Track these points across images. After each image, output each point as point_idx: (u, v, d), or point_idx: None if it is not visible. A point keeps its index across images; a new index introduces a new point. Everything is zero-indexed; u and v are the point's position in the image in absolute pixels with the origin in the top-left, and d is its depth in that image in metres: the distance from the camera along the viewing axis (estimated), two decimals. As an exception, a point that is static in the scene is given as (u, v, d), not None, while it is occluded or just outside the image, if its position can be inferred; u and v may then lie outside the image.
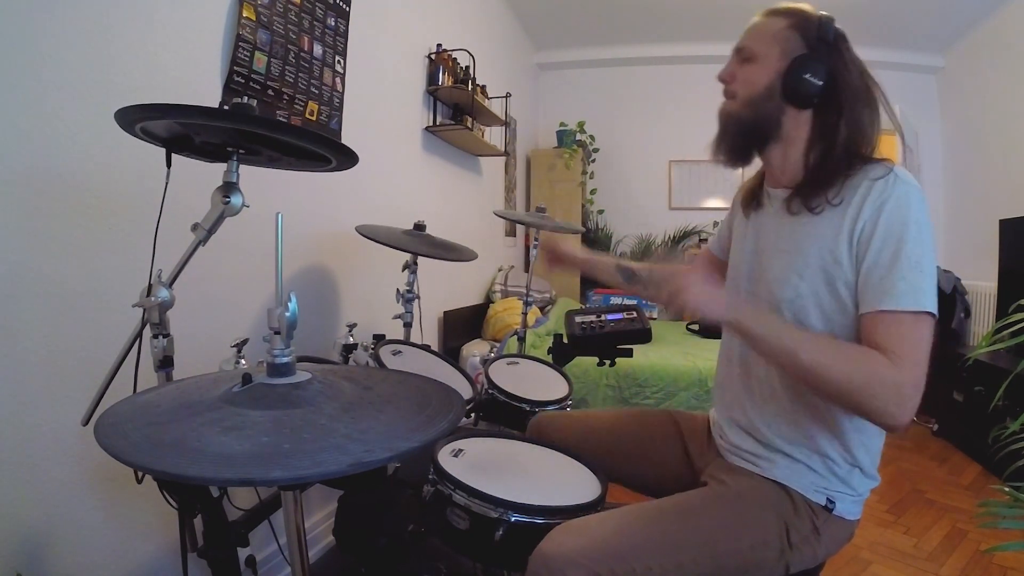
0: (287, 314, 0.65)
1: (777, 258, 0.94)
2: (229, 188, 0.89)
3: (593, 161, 4.87)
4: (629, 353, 1.64)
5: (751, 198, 1.05)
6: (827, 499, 0.90)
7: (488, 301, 3.51)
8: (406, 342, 1.72)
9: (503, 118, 3.32)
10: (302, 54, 1.68)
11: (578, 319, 1.66)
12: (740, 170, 1.04)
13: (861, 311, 0.83)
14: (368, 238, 1.62)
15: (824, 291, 0.88)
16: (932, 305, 0.79)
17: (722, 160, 1.00)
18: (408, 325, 1.85)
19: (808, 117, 0.92)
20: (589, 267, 1.34)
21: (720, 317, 0.85)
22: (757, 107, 0.93)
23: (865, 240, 0.83)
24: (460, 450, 1.12)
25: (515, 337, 2.26)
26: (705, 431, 1.14)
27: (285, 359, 0.67)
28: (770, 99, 0.92)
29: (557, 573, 0.80)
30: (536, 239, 2.19)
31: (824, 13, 0.92)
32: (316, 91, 1.76)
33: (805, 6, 0.94)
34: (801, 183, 0.92)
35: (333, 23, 1.83)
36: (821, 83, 0.88)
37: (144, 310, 0.91)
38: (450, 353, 2.86)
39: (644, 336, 1.62)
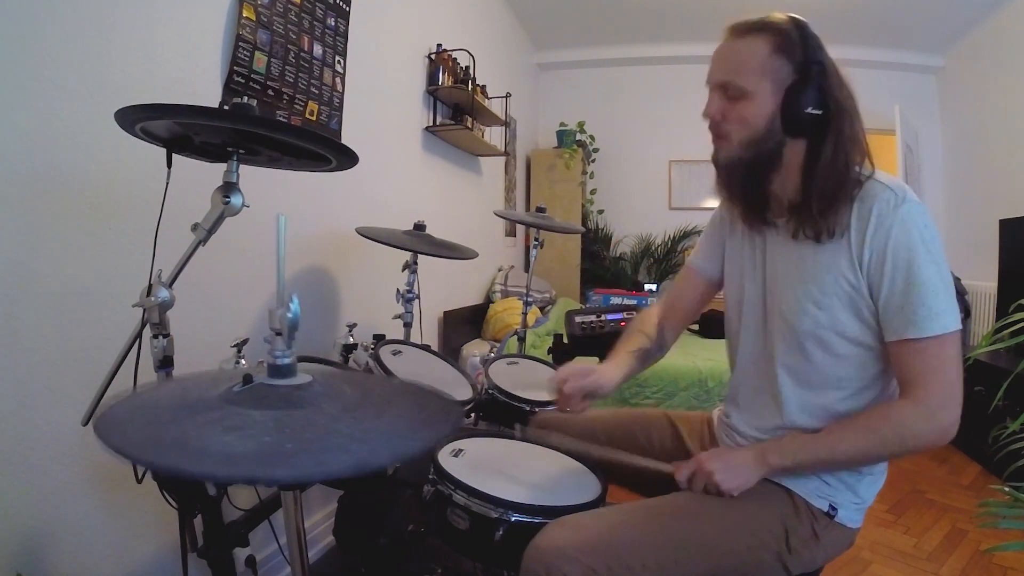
0: (289, 315, 0.65)
1: (789, 288, 0.92)
2: (229, 188, 0.89)
3: (593, 161, 4.87)
4: (629, 353, 1.64)
5: (751, 221, 0.99)
6: (830, 505, 0.90)
7: (488, 301, 3.51)
8: (406, 342, 1.72)
9: (503, 118, 3.32)
10: (302, 54, 1.68)
11: (578, 319, 1.66)
12: None
13: (887, 339, 0.84)
14: (368, 238, 1.62)
15: (846, 317, 0.87)
16: (954, 322, 0.81)
17: (740, 207, 0.96)
18: (408, 325, 1.84)
19: (802, 141, 0.88)
20: (609, 390, 1.07)
21: (753, 479, 0.88)
22: (759, 147, 0.87)
23: (876, 269, 0.83)
24: (460, 450, 1.12)
25: (515, 337, 2.25)
26: (705, 430, 1.14)
27: (286, 360, 0.67)
28: (771, 137, 0.87)
29: (552, 568, 0.80)
30: (536, 239, 2.19)
31: (795, 17, 0.87)
32: (316, 91, 1.76)
33: (777, 17, 0.87)
34: (802, 210, 0.88)
35: (333, 23, 1.83)
36: (821, 112, 0.84)
37: (144, 310, 0.91)
38: (450, 353, 2.86)
39: (644, 336, 1.61)
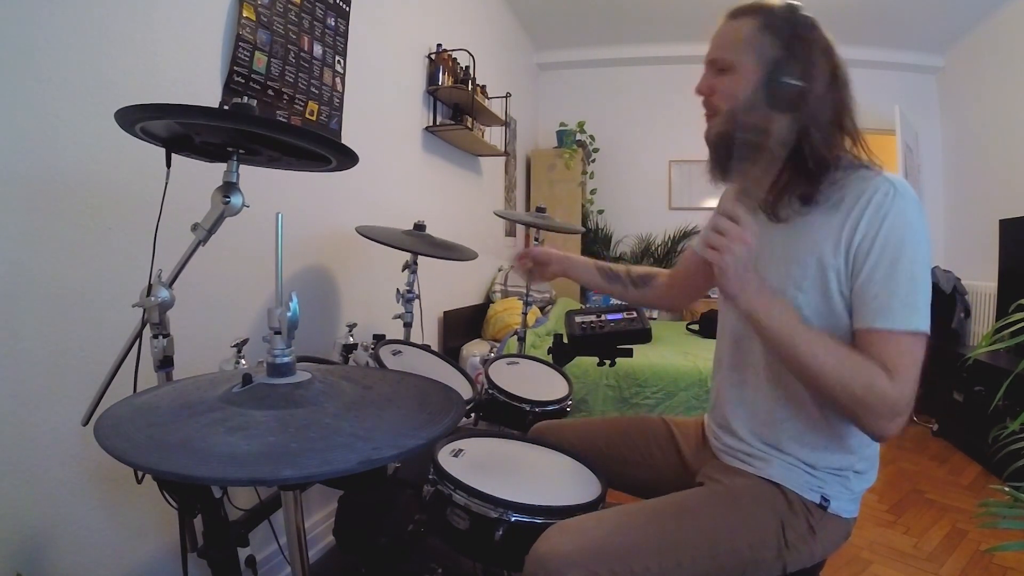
0: (288, 314, 0.65)
1: (773, 267, 0.92)
2: (229, 188, 0.89)
3: (593, 161, 4.87)
4: (629, 353, 1.64)
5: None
6: (822, 497, 0.90)
7: (488, 301, 3.51)
8: (406, 342, 1.72)
9: (503, 118, 3.32)
10: (302, 54, 1.68)
11: (578, 319, 1.66)
12: None
13: (855, 326, 0.83)
14: (368, 238, 1.62)
15: (821, 301, 0.87)
16: (925, 324, 0.79)
17: (721, 179, 0.97)
18: (408, 325, 1.84)
19: (789, 118, 0.89)
20: (565, 267, 1.27)
21: (738, 295, 0.82)
22: (738, 116, 0.90)
23: (863, 254, 0.82)
24: (460, 450, 1.12)
25: (515, 337, 2.26)
26: (699, 434, 1.14)
27: (286, 359, 0.67)
28: (754, 109, 0.88)
29: (554, 573, 0.80)
30: (537, 239, 2.19)
31: (791, 2, 0.89)
32: (316, 91, 1.76)
33: (771, 1, 0.90)
34: (788, 185, 0.90)
35: (333, 23, 1.83)
36: (803, 84, 0.85)
37: (144, 310, 0.91)
38: (450, 353, 2.86)
39: (644, 336, 1.62)
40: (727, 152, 0.92)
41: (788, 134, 0.89)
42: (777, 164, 0.91)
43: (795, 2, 0.89)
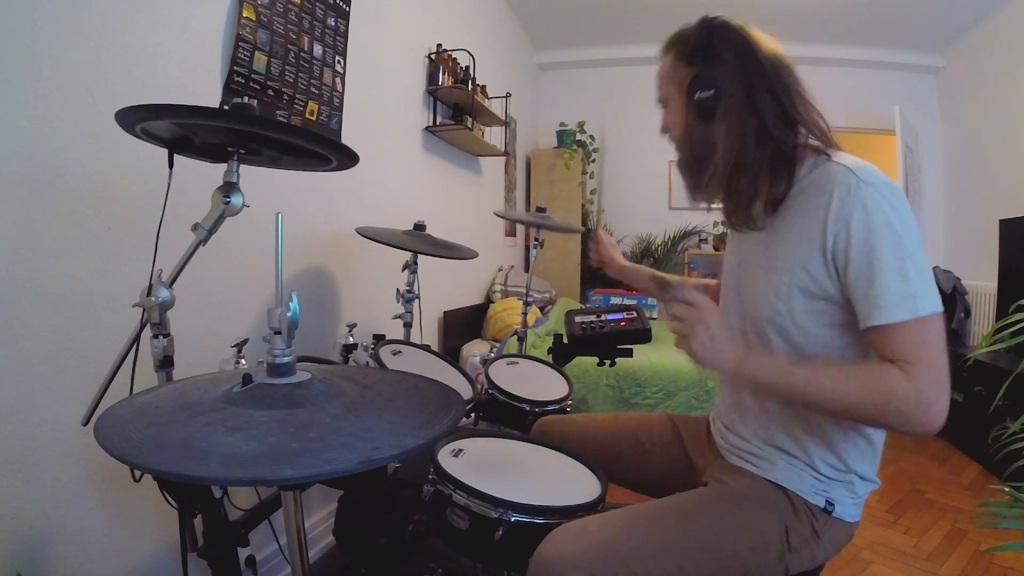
0: (288, 314, 0.65)
1: (756, 275, 0.93)
2: (229, 188, 0.89)
3: (593, 161, 4.87)
4: (629, 353, 1.64)
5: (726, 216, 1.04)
6: (826, 501, 0.89)
7: (488, 301, 3.51)
8: (406, 342, 1.72)
9: (503, 118, 3.32)
10: (302, 54, 1.68)
11: (578, 319, 1.65)
12: None
13: (860, 326, 0.81)
14: (368, 238, 1.62)
15: (800, 309, 0.86)
16: (930, 305, 0.76)
17: (700, 200, 0.99)
18: (408, 325, 1.84)
19: (727, 124, 0.89)
20: (625, 274, 1.45)
21: (720, 370, 0.84)
22: (688, 142, 0.96)
23: (842, 255, 0.80)
24: (460, 450, 1.12)
25: (515, 337, 2.25)
26: (705, 432, 1.14)
27: (286, 359, 0.67)
28: (693, 131, 0.93)
29: None
30: (536, 239, 2.19)
31: (710, 17, 0.91)
32: (316, 91, 1.76)
33: (685, 27, 0.93)
34: (757, 191, 0.89)
35: (333, 23, 1.83)
36: (712, 91, 0.88)
37: (144, 310, 0.91)
38: (450, 353, 2.86)
39: (644, 336, 1.61)
40: (687, 173, 0.98)
41: (737, 138, 0.89)
42: (749, 175, 0.90)
43: (716, 17, 0.91)
